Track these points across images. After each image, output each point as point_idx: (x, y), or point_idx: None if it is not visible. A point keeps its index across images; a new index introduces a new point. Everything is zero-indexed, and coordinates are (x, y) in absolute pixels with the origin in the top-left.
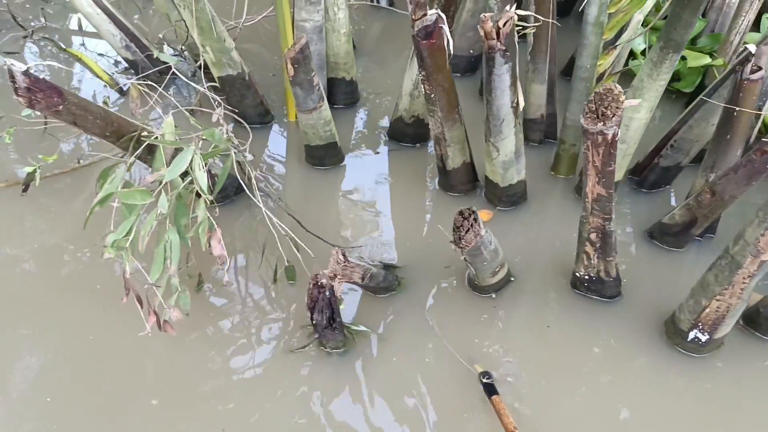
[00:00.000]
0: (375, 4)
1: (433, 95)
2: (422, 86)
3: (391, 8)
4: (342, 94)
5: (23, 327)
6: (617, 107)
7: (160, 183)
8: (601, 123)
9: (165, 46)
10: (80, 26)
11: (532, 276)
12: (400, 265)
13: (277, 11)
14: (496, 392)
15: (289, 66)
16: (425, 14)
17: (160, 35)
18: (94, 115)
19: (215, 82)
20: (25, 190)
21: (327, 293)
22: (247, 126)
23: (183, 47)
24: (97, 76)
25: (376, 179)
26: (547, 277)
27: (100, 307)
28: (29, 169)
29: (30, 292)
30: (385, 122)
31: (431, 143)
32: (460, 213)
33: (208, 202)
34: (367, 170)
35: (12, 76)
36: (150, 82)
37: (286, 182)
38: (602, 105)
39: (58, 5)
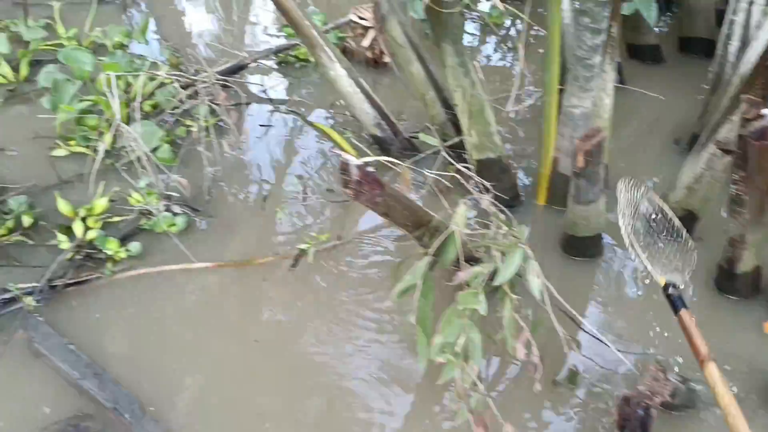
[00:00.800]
0: None
1: (746, 197)
2: (732, 186)
3: (621, 86)
4: None
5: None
6: None
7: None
8: None
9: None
10: (331, 104)
11: None
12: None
13: (545, 96)
14: (684, 305)
15: (581, 158)
16: (761, 114)
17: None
18: (402, 205)
19: (467, 162)
20: (294, 266)
21: (641, 412)
22: (509, 214)
23: (435, 126)
24: (346, 152)
25: (640, 274)
26: None
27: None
28: (303, 246)
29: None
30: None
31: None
32: None
33: (515, 302)
34: (629, 263)
35: (346, 169)
36: (391, 159)
37: (544, 273)
38: None
39: (296, 78)
